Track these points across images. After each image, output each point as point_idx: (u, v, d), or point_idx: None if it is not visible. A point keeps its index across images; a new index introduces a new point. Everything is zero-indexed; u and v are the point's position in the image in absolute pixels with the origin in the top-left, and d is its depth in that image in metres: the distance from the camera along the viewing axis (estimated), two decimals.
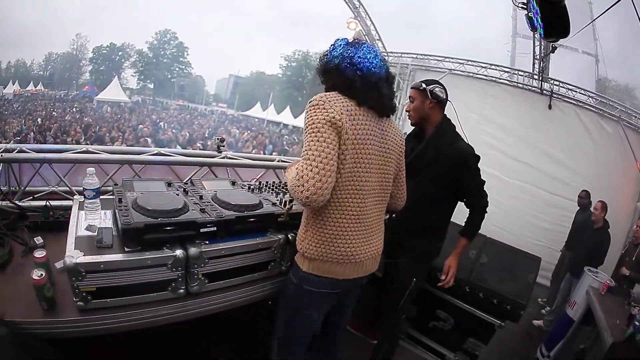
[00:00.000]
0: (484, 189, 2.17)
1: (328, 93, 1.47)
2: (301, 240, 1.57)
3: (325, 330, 1.79)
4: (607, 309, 2.76)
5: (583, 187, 5.45)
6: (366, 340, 2.88)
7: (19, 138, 12.57)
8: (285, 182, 2.03)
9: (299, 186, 1.33)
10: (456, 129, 2.21)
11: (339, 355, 2.01)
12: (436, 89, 2.11)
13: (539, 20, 3.25)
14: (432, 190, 2.17)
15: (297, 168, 1.38)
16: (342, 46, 1.53)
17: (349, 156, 1.42)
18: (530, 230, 6.20)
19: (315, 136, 1.36)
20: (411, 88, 2.21)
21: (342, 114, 1.40)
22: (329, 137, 1.37)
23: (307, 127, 1.40)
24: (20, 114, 19.24)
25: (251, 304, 1.77)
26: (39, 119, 16.50)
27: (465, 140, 2.17)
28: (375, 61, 1.52)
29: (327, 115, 1.38)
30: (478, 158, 2.12)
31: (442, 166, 2.11)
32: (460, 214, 2.30)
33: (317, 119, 1.38)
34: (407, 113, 2.25)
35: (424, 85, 2.12)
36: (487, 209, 2.19)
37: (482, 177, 2.15)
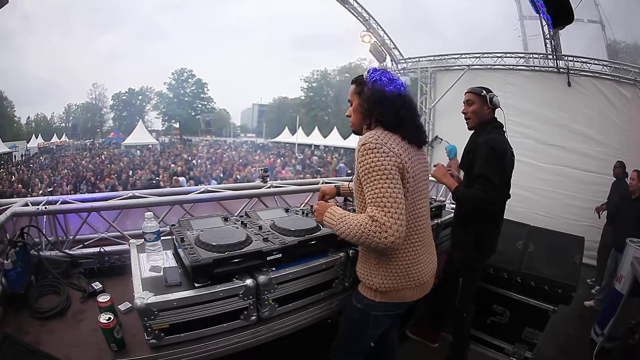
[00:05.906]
0: (489, 188, 2.02)
1: (377, 132, 1.44)
2: (372, 276, 1.57)
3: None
4: None
5: (614, 158, 5.31)
6: (427, 345, 2.92)
7: (50, 189, 13.09)
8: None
9: (381, 232, 1.32)
10: (498, 127, 2.22)
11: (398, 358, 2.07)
12: (494, 97, 2.19)
13: (545, 12, 3.31)
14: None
15: (370, 215, 1.35)
16: (381, 78, 1.54)
17: (409, 191, 1.45)
18: (570, 211, 6.07)
19: (386, 183, 1.36)
20: (470, 92, 2.26)
21: (401, 153, 1.42)
22: (398, 181, 1.39)
23: (371, 171, 1.38)
24: (48, 166, 19.97)
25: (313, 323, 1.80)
26: (70, 169, 17.11)
27: (505, 136, 2.18)
28: (406, 90, 1.57)
29: (394, 159, 1.38)
30: (493, 149, 2.05)
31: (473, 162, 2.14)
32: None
33: (383, 163, 1.37)
34: (464, 115, 2.29)
35: (484, 92, 2.20)
36: (476, 201, 2.08)
37: (493, 175, 2.02)
